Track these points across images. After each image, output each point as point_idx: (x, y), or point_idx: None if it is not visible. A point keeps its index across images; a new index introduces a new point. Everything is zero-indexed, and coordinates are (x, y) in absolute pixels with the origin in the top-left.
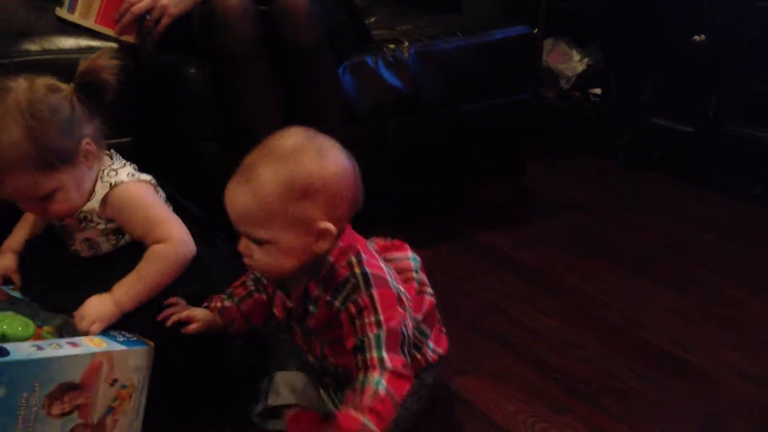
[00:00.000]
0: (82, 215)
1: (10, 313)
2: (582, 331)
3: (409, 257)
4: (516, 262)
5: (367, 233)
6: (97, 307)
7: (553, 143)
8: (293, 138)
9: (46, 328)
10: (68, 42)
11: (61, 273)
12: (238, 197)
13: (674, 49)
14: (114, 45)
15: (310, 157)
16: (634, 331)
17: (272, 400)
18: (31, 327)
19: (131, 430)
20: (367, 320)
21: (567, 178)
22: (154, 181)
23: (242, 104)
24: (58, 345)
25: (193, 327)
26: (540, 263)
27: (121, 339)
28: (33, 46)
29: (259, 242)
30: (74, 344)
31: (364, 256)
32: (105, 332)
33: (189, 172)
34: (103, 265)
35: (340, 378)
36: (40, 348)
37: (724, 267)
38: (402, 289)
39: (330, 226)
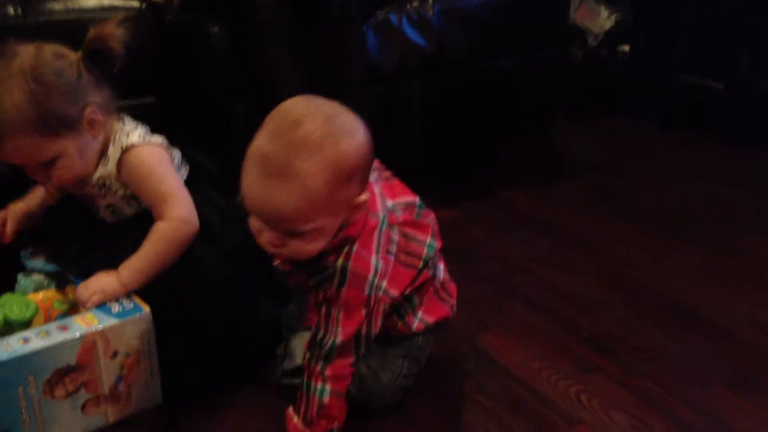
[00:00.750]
0: (100, 182)
1: (10, 295)
2: (609, 291)
3: (425, 243)
4: (542, 221)
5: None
6: (103, 282)
7: (581, 102)
8: (313, 122)
9: (59, 298)
10: (90, 1)
11: (89, 237)
12: (282, 197)
13: (705, 5)
14: (131, 7)
15: (343, 138)
16: (662, 290)
17: (287, 364)
18: (32, 306)
19: (149, 391)
20: (331, 311)
21: (595, 137)
22: (165, 143)
23: (266, 63)
24: (46, 333)
25: None
26: (567, 222)
27: (116, 310)
28: (57, 6)
29: (300, 234)
30: (64, 327)
31: (355, 248)
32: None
33: (212, 129)
34: (129, 227)
35: None
36: (26, 341)
37: (752, 225)
38: (383, 286)
39: (366, 196)
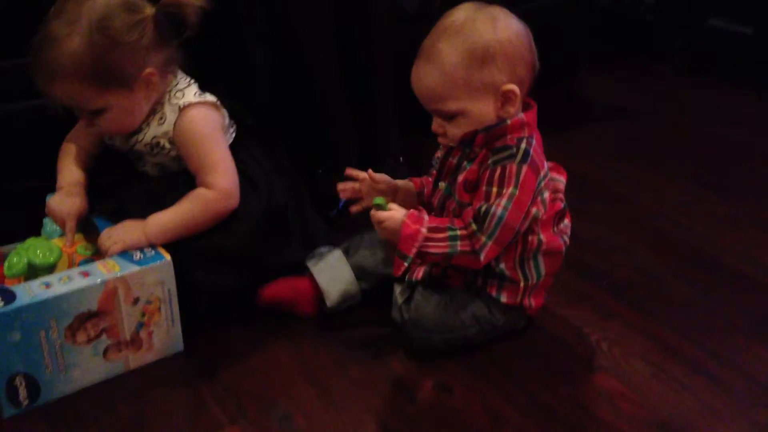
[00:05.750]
0: (155, 141)
1: (35, 239)
2: (630, 238)
3: (564, 182)
4: (564, 167)
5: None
6: (127, 231)
7: (605, 47)
8: (464, 12)
9: (81, 244)
10: None
11: (132, 190)
12: (424, 76)
13: None
14: None
15: (483, 24)
16: (684, 237)
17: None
18: (56, 251)
19: (170, 338)
20: (503, 190)
21: (618, 82)
22: (218, 102)
23: (289, 9)
24: (68, 278)
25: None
26: (588, 170)
27: (137, 258)
28: None
29: (450, 116)
30: (86, 273)
31: (534, 142)
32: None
33: (234, 73)
34: (172, 181)
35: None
36: (48, 286)
37: None
38: (541, 191)
39: (514, 87)
